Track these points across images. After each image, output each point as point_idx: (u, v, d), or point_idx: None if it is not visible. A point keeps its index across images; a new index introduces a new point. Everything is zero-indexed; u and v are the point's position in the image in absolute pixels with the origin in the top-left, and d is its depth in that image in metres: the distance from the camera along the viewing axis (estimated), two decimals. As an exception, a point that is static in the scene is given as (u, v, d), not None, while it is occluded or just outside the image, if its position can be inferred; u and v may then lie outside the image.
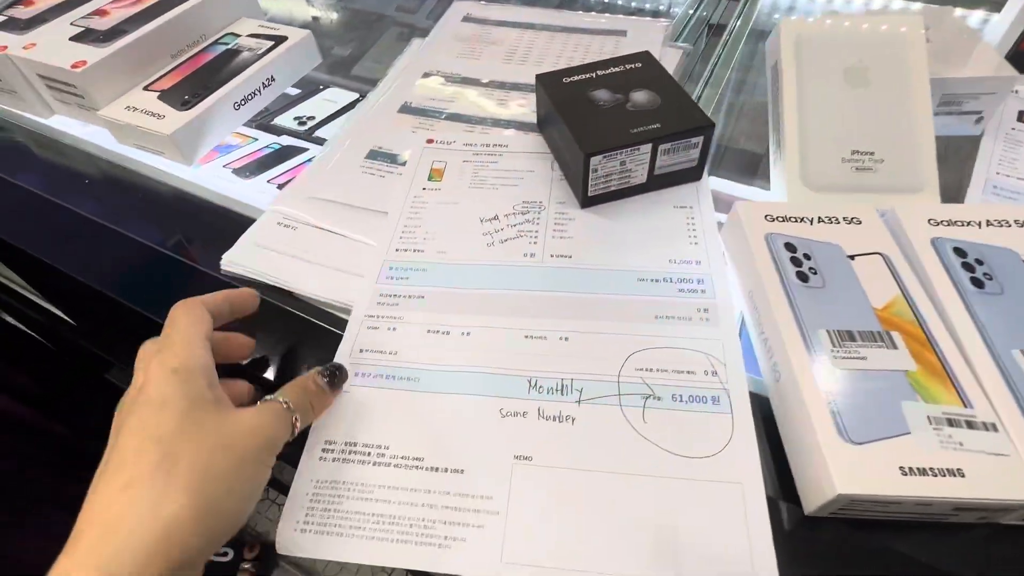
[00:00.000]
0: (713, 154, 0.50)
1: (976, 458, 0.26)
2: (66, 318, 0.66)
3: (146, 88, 0.51)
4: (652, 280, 0.37)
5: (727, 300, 0.35)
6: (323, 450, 0.30)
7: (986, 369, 0.29)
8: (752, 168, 0.53)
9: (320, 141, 0.53)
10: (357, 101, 0.57)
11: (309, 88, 0.59)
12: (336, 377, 0.31)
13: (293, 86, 0.59)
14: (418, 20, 0.78)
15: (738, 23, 0.63)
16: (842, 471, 0.26)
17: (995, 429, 0.27)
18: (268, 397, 0.28)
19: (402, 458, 0.30)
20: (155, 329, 0.39)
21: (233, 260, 0.40)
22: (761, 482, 0.28)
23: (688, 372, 0.32)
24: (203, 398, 0.25)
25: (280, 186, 0.49)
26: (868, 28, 0.40)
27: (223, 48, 0.56)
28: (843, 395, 0.28)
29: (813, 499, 0.27)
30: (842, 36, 0.40)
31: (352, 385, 0.33)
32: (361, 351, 0.34)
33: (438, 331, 0.35)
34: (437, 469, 0.29)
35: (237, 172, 0.51)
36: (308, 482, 0.29)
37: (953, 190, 0.42)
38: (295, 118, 0.56)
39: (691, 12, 0.63)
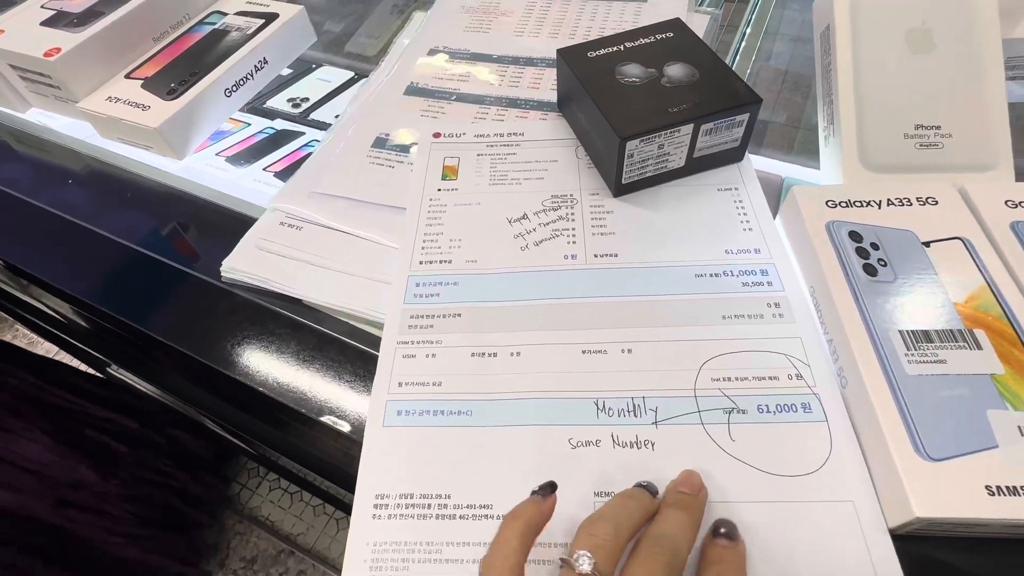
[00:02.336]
0: None
1: (1080, 474, 0.23)
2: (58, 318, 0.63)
3: (128, 76, 0.47)
4: (711, 275, 0.33)
5: (798, 291, 0.32)
6: (376, 506, 0.27)
7: (1087, 372, 0.26)
8: (787, 143, 0.49)
9: (316, 124, 0.50)
10: (352, 80, 0.53)
11: (302, 67, 0.55)
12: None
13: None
14: None
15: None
16: (919, 492, 0.23)
17: None
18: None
19: (467, 507, 0.26)
20: (151, 343, 0.36)
21: (234, 267, 0.36)
22: (875, 497, 0.25)
23: (770, 378, 0.29)
24: None
25: (277, 174, 0.46)
26: (932, -15, 0.35)
27: (209, 28, 0.51)
28: (919, 405, 0.25)
29: (893, 517, 0.24)
30: (903, -5, 0.35)
31: (396, 426, 0.29)
32: (400, 384, 0.30)
33: (484, 353, 0.31)
34: None
35: (231, 160, 0.47)
36: (364, 546, 0.26)
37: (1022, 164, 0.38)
38: (288, 100, 0.52)
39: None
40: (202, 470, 0.97)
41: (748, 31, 0.54)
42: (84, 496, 0.74)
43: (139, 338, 0.37)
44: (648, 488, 0.25)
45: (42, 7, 0.49)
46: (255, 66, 0.49)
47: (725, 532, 0.24)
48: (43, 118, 0.50)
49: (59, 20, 0.47)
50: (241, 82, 0.48)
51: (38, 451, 0.71)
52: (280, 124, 0.50)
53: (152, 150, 0.45)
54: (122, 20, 0.47)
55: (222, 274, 0.37)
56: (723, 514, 0.25)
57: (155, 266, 0.39)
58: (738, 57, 0.51)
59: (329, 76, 0.55)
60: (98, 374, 0.89)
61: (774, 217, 0.36)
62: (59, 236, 0.42)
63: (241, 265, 0.37)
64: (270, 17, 0.51)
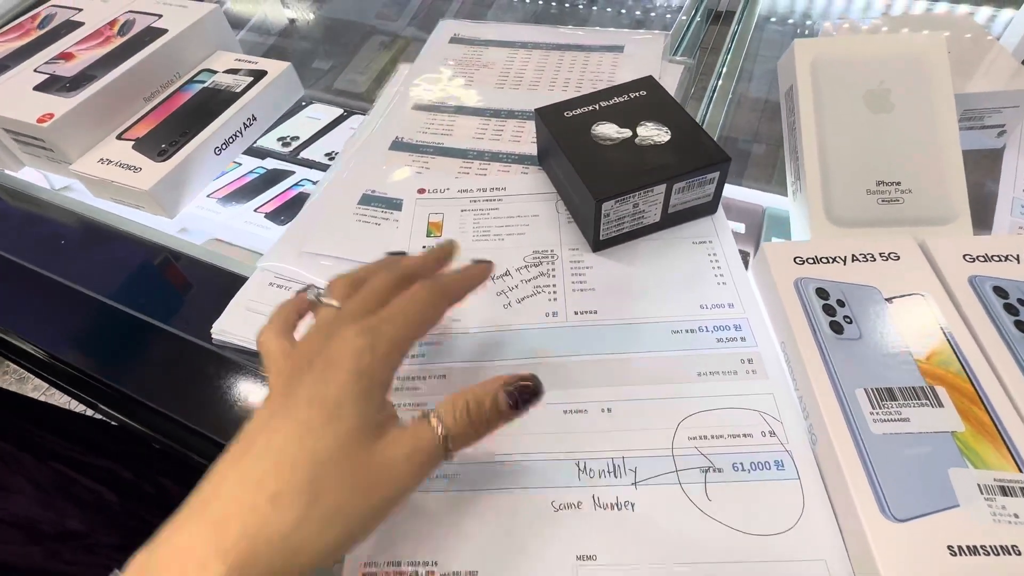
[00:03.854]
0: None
1: (1037, 532, 0.24)
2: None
3: (120, 136, 0.48)
4: (687, 331, 0.34)
5: (770, 346, 0.33)
6: (364, 575, 0.27)
7: (1041, 426, 0.27)
8: (769, 173, 0.51)
9: (306, 162, 0.51)
10: (342, 117, 0.55)
11: (292, 107, 0.56)
12: (527, 400, 0.26)
13: None
14: (399, 28, 0.75)
15: (743, 19, 0.60)
16: (886, 556, 0.24)
17: (1020, 494, 0.25)
18: (421, 414, 0.25)
19: (454, 574, 0.27)
20: (142, 407, 0.37)
21: (224, 329, 0.37)
22: (846, 556, 0.26)
23: (744, 435, 0.30)
24: (370, 423, 0.23)
25: (268, 215, 0.47)
26: (888, 48, 0.37)
27: (199, 87, 0.52)
28: (884, 464, 0.26)
29: None
30: (861, 58, 0.37)
31: None
32: None
33: None
34: None
35: (222, 202, 0.48)
36: None
37: (981, 210, 0.40)
38: (279, 139, 0.54)
39: (687, 17, 0.61)
40: None
41: (724, 70, 0.56)
42: (72, 549, 0.73)
43: (130, 402, 0.38)
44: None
45: (35, 71, 0.50)
46: (244, 123, 0.51)
47: None
48: (36, 177, 0.52)
49: (52, 84, 0.48)
50: (231, 140, 0.50)
51: (25, 504, 0.71)
52: (271, 163, 0.51)
53: (144, 210, 0.46)
54: (114, 83, 0.48)
55: (212, 337, 0.38)
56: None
57: (145, 328, 0.40)
58: (713, 99, 0.53)
59: (319, 114, 0.56)
60: (96, 415, 0.88)
61: (747, 268, 0.37)
62: (48, 297, 0.42)
63: (231, 327, 0.37)
64: (259, 74, 0.53)
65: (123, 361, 0.39)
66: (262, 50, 0.71)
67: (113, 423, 0.84)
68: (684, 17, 0.60)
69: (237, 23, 0.73)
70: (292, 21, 0.77)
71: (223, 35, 0.56)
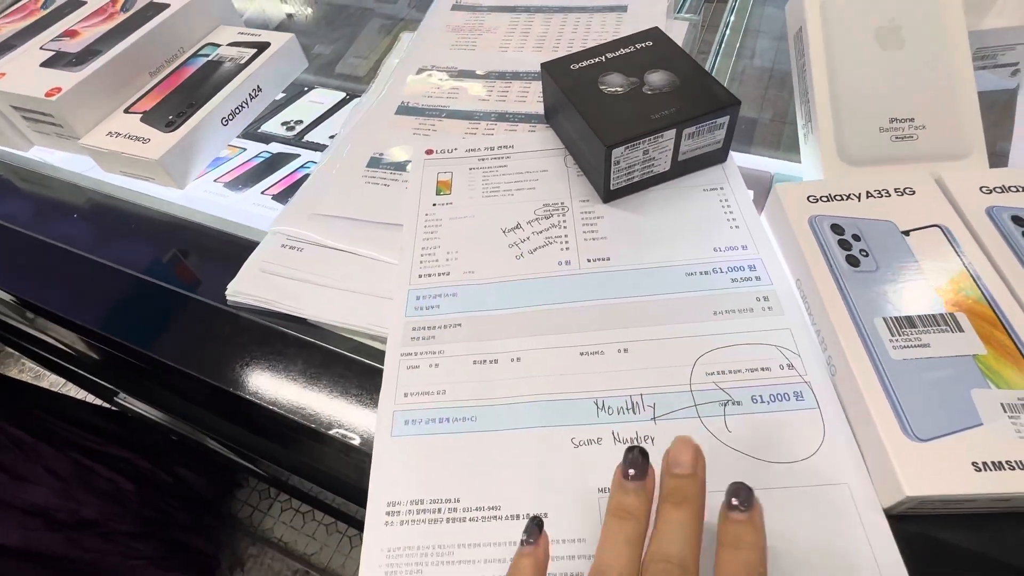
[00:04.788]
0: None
1: (1063, 447, 0.24)
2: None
3: (127, 110, 0.48)
4: (701, 273, 0.34)
5: (785, 283, 0.33)
6: (388, 513, 0.28)
7: (1067, 348, 0.27)
8: (775, 140, 0.50)
9: (311, 145, 0.51)
10: (344, 101, 0.55)
11: (294, 91, 0.56)
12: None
13: None
14: (399, 10, 0.74)
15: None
16: (909, 472, 0.24)
17: None
18: None
19: (476, 509, 0.27)
20: (160, 367, 0.37)
21: (239, 290, 0.38)
22: (868, 479, 0.26)
23: (763, 369, 0.30)
24: None
25: (275, 196, 0.47)
26: (897, -16, 0.37)
27: (204, 60, 0.52)
28: (906, 389, 0.26)
29: (885, 498, 0.25)
30: (870, -6, 0.37)
31: (404, 435, 0.30)
32: (406, 395, 0.31)
33: (485, 360, 0.32)
34: (518, 516, 0.27)
35: (229, 186, 0.48)
36: (378, 552, 0.27)
37: (995, 149, 0.39)
38: (283, 123, 0.54)
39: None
40: (204, 511, 0.98)
41: (728, 31, 0.55)
42: (90, 536, 0.75)
43: (148, 363, 0.38)
44: (638, 470, 0.24)
45: (41, 48, 0.50)
46: (249, 94, 0.51)
47: (738, 503, 0.23)
48: (44, 155, 0.52)
49: (58, 60, 0.48)
50: (237, 110, 0.50)
51: (44, 494, 0.72)
52: (275, 148, 0.52)
53: (154, 181, 0.46)
54: (119, 57, 0.48)
55: (227, 298, 0.38)
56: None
57: (161, 293, 0.40)
58: (719, 58, 0.52)
59: (321, 98, 0.56)
60: (112, 407, 0.90)
61: (760, 214, 0.37)
62: (66, 269, 0.43)
63: (245, 288, 0.38)
64: (262, 46, 0.53)
65: (141, 325, 0.40)
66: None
67: (129, 414, 0.85)
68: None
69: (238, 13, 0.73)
70: (289, 16, 0.76)
71: (225, 9, 0.56)
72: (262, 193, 0.48)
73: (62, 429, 0.85)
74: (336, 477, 0.34)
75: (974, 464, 0.24)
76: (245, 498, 1.11)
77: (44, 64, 0.48)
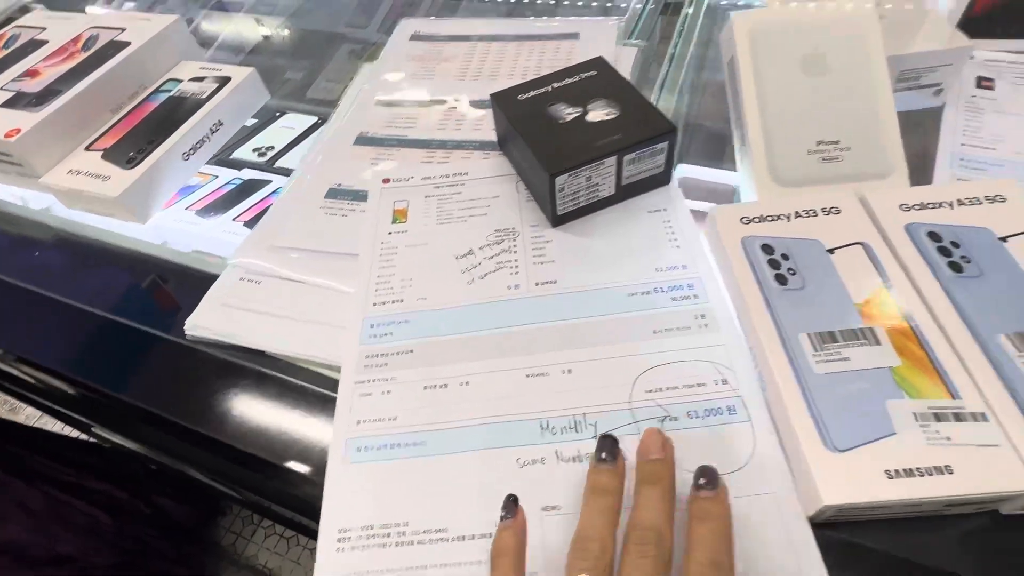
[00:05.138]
0: (680, 140, 0.50)
1: (965, 452, 0.26)
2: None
3: (88, 148, 0.49)
4: (643, 293, 0.36)
5: (722, 301, 0.34)
6: (339, 540, 0.28)
7: (972, 357, 0.28)
8: (721, 151, 0.52)
9: (283, 171, 0.52)
10: (316, 125, 0.56)
11: (266, 116, 0.57)
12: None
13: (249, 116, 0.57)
14: (369, 35, 0.76)
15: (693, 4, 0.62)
16: (827, 481, 0.26)
17: (984, 419, 0.26)
18: None
19: (424, 532, 0.28)
20: (123, 405, 0.38)
21: (198, 324, 0.38)
22: (793, 488, 0.27)
23: (698, 385, 0.31)
24: None
25: (247, 223, 0.48)
26: (821, 14, 0.39)
27: (165, 96, 0.53)
28: (826, 401, 0.28)
29: (808, 507, 0.27)
30: (796, 25, 0.39)
31: (355, 462, 0.31)
32: (358, 422, 0.32)
33: (435, 386, 0.33)
34: (463, 538, 0.28)
35: (201, 213, 0.49)
36: None
37: (922, 167, 0.41)
38: (254, 149, 0.55)
39: (641, 6, 0.62)
40: (185, 539, 0.97)
41: (675, 53, 0.57)
42: (67, 572, 0.74)
43: (112, 401, 0.39)
44: (608, 453, 0.27)
45: (1, 89, 0.51)
46: (211, 128, 0.52)
47: (705, 482, 0.25)
48: (5, 193, 0.52)
49: (18, 101, 0.49)
50: (198, 145, 0.51)
51: (15, 531, 0.71)
52: (247, 174, 0.52)
53: (115, 217, 0.47)
54: (79, 96, 0.49)
55: (186, 332, 0.38)
56: None
57: (122, 330, 0.41)
58: (666, 80, 0.54)
59: (293, 123, 0.57)
60: (90, 439, 0.89)
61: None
62: (27, 307, 0.43)
63: (204, 322, 0.38)
64: (223, 81, 0.54)
65: (103, 362, 0.40)
66: (235, 62, 0.71)
67: (106, 445, 0.84)
68: (638, 5, 0.62)
69: (209, 40, 0.74)
70: (265, 37, 0.78)
71: (187, 45, 0.58)
72: (233, 220, 0.48)
73: (35, 463, 0.84)
74: (311, 503, 0.34)
75: (887, 472, 0.25)
76: (228, 525, 1.10)
77: (3, 105, 0.49)
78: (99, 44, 0.54)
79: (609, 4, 0.72)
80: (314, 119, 0.57)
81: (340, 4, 0.80)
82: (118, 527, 0.84)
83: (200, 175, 0.52)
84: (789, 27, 0.39)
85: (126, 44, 0.53)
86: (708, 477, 0.25)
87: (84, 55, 0.53)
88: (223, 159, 0.53)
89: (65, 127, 0.48)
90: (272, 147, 0.55)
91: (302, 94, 0.65)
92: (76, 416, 0.60)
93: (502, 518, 0.27)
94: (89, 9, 0.82)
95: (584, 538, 0.25)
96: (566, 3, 0.72)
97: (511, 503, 0.27)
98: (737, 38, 0.39)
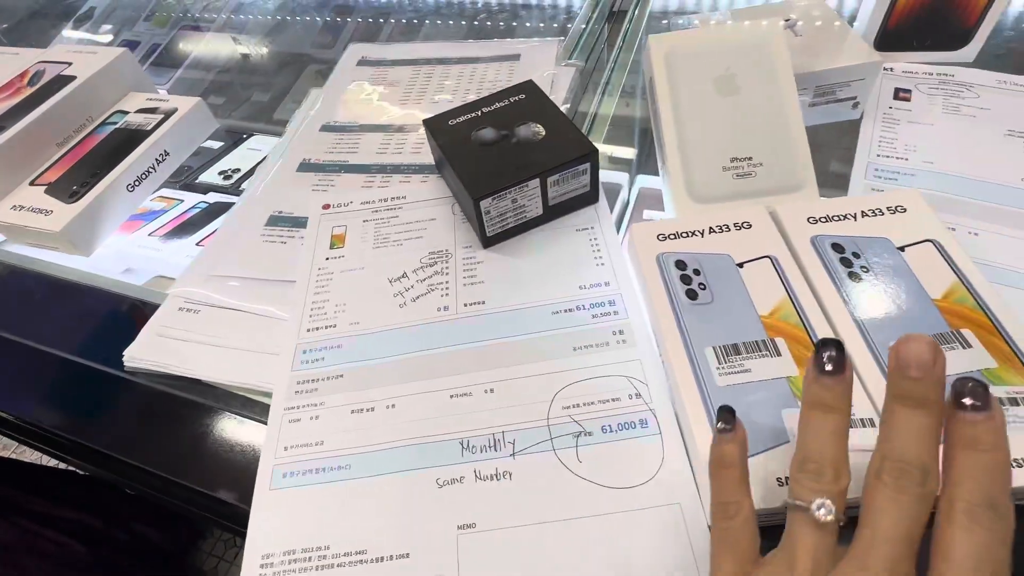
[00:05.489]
0: (638, 152, 0.51)
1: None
2: None
3: (33, 183, 0.50)
4: (566, 311, 0.37)
5: (640, 316, 0.36)
6: (262, 566, 0.29)
7: (865, 365, 0.30)
8: None
9: None
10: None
11: (232, 139, 0.58)
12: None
13: (215, 139, 0.58)
14: (336, 55, 0.77)
15: (634, 18, 0.64)
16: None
17: (873, 425, 0.28)
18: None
19: (344, 555, 0.29)
20: (63, 446, 0.38)
21: (134, 355, 0.39)
22: (697, 498, 0.28)
23: (613, 400, 0.32)
24: None
25: None
26: (732, 36, 0.41)
27: (111, 128, 0.54)
28: None
29: (709, 518, 0.27)
30: (708, 47, 0.41)
31: (281, 488, 0.31)
32: (286, 448, 0.33)
33: (362, 409, 0.34)
34: (382, 559, 0.29)
35: (165, 238, 0.50)
36: None
37: (841, 178, 0.43)
38: (220, 172, 0.55)
39: (584, 26, 0.64)
40: (164, 565, 0.96)
41: (614, 67, 0.59)
42: None
43: (92, 452, 0.39)
44: (834, 363, 0.22)
45: (-55, 127, 0.51)
46: (156, 159, 0.52)
47: (973, 401, 0.19)
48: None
49: (-38, 138, 0.50)
50: (143, 176, 0.51)
51: None
52: (213, 197, 0.53)
53: (59, 250, 0.47)
54: (23, 132, 0.50)
55: (125, 364, 0.39)
56: (574, 531, 0.28)
57: (62, 364, 0.41)
58: (604, 97, 0.56)
59: (259, 145, 0.57)
60: (68, 467, 0.88)
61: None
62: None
63: (141, 353, 0.39)
64: (169, 112, 0.54)
65: (46, 402, 0.41)
66: (202, 86, 0.72)
67: (81, 472, 0.84)
68: (583, 25, 0.64)
69: (178, 61, 0.76)
70: (233, 58, 0.78)
71: (135, 76, 0.58)
72: (197, 244, 0.49)
73: (7, 496, 0.83)
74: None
75: (778, 480, 0.27)
76: (209, 549, 1.09)
77: (-53, 143, 0.49)
78: (45, 79, 0.55)
79: (571, 25, 0.74)
80: (280, 140, 0.57)
81: (306, 25, 0.82)
82: (93, 556, 0.83)
83: (164, 200, 0.53)
84: (702, 49, 0.41)
85: (72, 78, 0.54)
86: (975, 393, 0.19)
87: (30, 90, 0.54)
88: (189, 183, 0.54)
89: (9, 163, 0.49)
90: (238, 170, 0.55)
91: (269, 115, 0.66)
92: (49, 450, 0.61)
93: (721, 430, 0.24)
94: (64, 32, 0.84)
95: (815, 460, 0.21)
96: (528, 24, 0.74)
97: (728, 414, 0.24)
98: (653, 61, 0.41)
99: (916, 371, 0.20)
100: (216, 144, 0.57)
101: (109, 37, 0.83)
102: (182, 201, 0.53)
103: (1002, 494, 0.18)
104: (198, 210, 0.52)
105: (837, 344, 0.22)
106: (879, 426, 0.21)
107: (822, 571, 0.20)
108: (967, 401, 0.19)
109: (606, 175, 0.49)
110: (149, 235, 0.50)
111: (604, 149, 0.53)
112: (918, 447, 0.20)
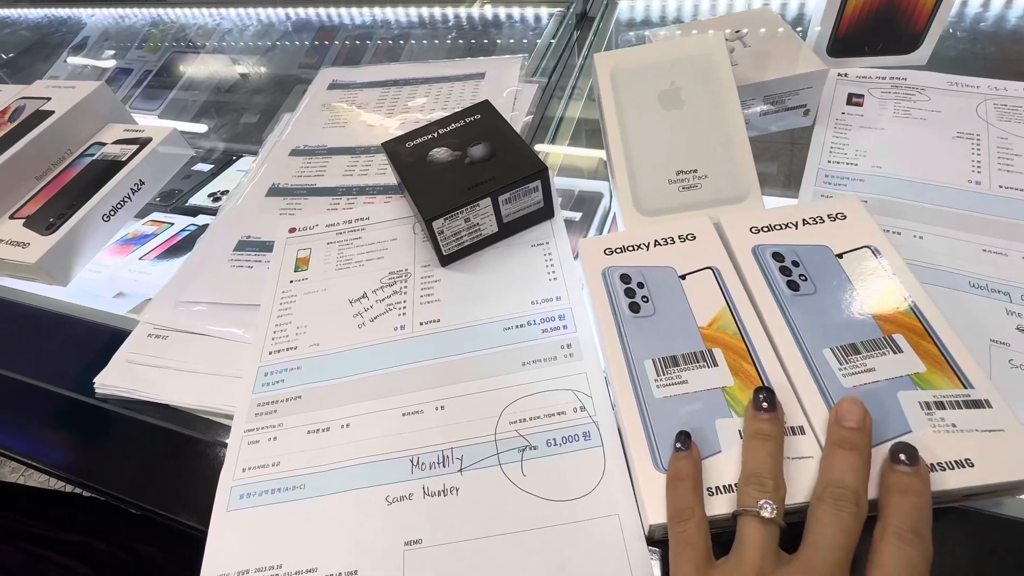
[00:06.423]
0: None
1: (786, 466, 0.27)
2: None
3: (12, 216, 0.51)
4: (517, 326, 0.38)
5: (588, 330, 0.36)
6: None
7: (798, 373, 0.30)
8: None
9: None
10: None
11: (222, 161, 0.60)
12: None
13: (205, 162, 0.59)
14: None
15: (599, 28, 0.65)
16: (653, 502, 0.27)
17: (802, 432, 0.28)
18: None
19: (296, 573, 0.30)
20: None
21: (105, 382, 0.40)
22: (635, 509, 0.29)
23: (559, 413, 0.33)
24: None
25: None
26: (675, 52, 0.42)
27: (88, 160, 0.56)
28: (662, 424, 0.29)
29: (644, 527, 0.28)
30: (652, 62, 0.42)
31: (238, 509, 0.32)
32: (244, 470, 0.34)
33: (318, 430, 0.35)
34: None
35: (154, 262, 0.51)
36: None
37: (794, 185, 0.44)
38: (210, 195, 0.57)
39: (551, 42, 0.65)
40: None
41: (579, 76, 0.60)
42: None
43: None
44: (768, 402, 0.27)
45: (-73, 165, 0.53)
46: (132, 189, 0.54)
47: (905, 458, 0.25)
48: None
49: (-57, 176, 0.51)
50: (119, 205, 0.53)
51: None
52: (203, 219, 0.54)
53: (37, 281, 0.49)
54: (3, 167, 0.51)
55: (96, 391, 0.40)
56: (518, 544, 0.29)
57: (34, 392, 0.42)
58: (571, 101, 0.57)
59: (248, 167, 0.58)
60: (74, 489, 0.90)
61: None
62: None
63: (111, 380, 0.40)
64: (144, 142, 0.56)
65: (24, 431, 0.42)
66: (193, 110, 0.74)
67: (85, 493, 0.85)
68: (551, 40, 0.65)
69: (169, 86, 0.78)
70: (224, 80, 0.81)
71: (112, 108, 0.60)
72: None
73: (10, 520, 0.85)
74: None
75: (709, 489, 0.27)
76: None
77: (-71, 181, 0.51)
78: (24, 114, 0.56)
79: (550, 41, 0.75)
80: (252, 165, 0.59)
81: (294, 48, 0.84)
82: None
83: (154, 224, 0.54)
84: (646, 65, 0.41)
85: (50, 113, 0.56)
86: (907, 453, 0.25)
87: (10, 126, 0.56)
88: (178, 206, 0.55)
89: (-12, 198, 0.51)
90: (227, 191, 0.57)
91: (257, 137, 0.68)
92: (56, 472, 0.62)
93: (677, 449, 0.28)
94: (60, 62, 0.86)
95: (758, 474, 0.26)
96: (511, 41, 0.75)
97: (685, 437, 0.28)
98: (600, 77, 0.42)
99: (851, 423, 0.26)
100: (206, 167, 0.59)
101: (105, 64, 0.86)
102: (172, 224, 0.54)
103: (925, 526, 0.23)
104: (188, 233, 0.53)
105: (768, 390, 0.28)
106: (820, 462, 0.27)
107: (768, 563, 0.24)
108: (902, 457, 0.25)
109: (586, 184, 0.50)
110: (140, 259, 0.51)
111: (573, 152, 0.54)
112: (852, 478, 0.25)
